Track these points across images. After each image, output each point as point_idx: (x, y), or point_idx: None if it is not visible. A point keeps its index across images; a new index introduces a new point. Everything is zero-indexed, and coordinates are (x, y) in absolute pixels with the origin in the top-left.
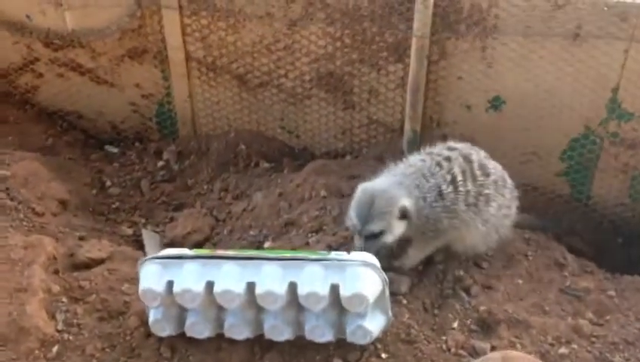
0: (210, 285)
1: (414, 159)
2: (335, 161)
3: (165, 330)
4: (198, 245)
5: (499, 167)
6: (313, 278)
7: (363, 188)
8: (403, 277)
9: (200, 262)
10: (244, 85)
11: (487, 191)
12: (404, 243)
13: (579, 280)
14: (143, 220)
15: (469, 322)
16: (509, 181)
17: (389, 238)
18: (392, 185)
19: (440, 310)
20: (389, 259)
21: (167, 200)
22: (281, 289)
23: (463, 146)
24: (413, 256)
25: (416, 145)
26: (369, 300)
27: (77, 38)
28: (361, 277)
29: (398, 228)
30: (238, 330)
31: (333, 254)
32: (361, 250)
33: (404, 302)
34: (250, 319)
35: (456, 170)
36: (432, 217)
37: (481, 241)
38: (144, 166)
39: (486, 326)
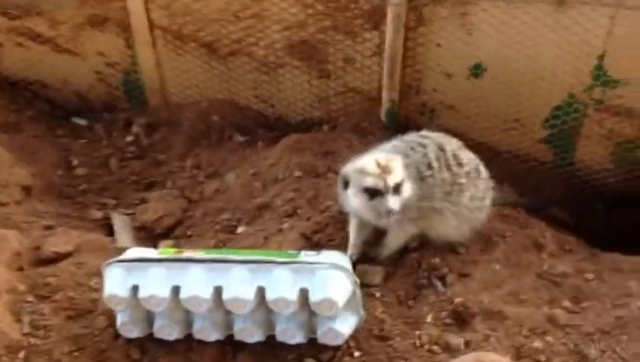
0: (176, 290)
1: (386, 146)
2: (310, 135)
3: (133, 332)
4: (170, 229)
5: (473, 157)
6: (282, 283)
7: (363, 160)
8: (377, 267)
9: (165, 265)
10: (214, 54)
11: (460, 181)
12: (380, 232)
13: (557, 262)
14: (113, 202)
15: (443, 315)
16: (484, 172)
17: (406, 191)
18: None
19: (414, 301)
20: (366, 249)
21: (138, 179)
22: (249, 294)
23: (436, 135)
24: (390, 244)
25: (394, 114)
26: (338, 304)
27: (34, 7)
28: (331, 281)
29: (408, 187)
30: (208, 333)
31: (303, 255)
32: (392, 211)
33: (378, 294)
34: (219, 321)
35: (432, 156)
36: (412, 199)
37: (453, 232)
38: (113, 141)
39: (460, 319)
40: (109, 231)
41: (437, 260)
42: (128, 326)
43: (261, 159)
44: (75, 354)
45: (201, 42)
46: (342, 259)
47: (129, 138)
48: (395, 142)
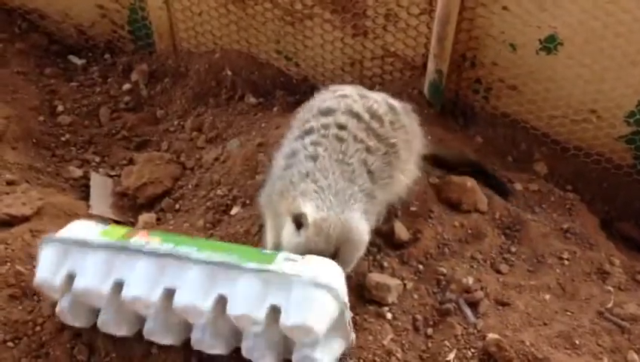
0: (119, 285)
1: (309, 147)
2: None
3: (74, 322)
4: (156, 199)
5: (379, 98)
6: (248, 296)
7: (322, 226)
8: (392, 281)
9: (109, 252)
10: None
11: (393, 141)
12: None
13: (626, 297)
14: (97, 159)
15: (469, 354)
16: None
17: None
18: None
19: (435, 331)
20: None
21: (129, 135)
22: (207, 303)
23: (334, 105)
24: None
25: (440, 89)
26: (317, 333)
27: None
28: (310, 302)
29: None
30: (159, 335)
31: (282, 259)
32: None
33: (389, 316)
34: (172, 324)
35: (361, 135)
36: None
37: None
38: (107, 88)
39: None
40: (86, 195)
41: (470, 280)
42: (67, 315)
43: (272, 127)
44: (9, 344)
45: None
46: (330, 271)
47: (126, 86)
48: (312, 139)
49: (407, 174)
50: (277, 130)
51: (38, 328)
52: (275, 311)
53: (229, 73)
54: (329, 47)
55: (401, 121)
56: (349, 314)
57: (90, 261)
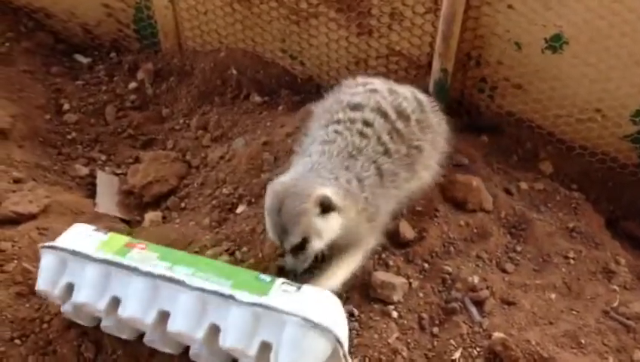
0: (115, 301)
1: (330, 134)
2: None
3: (79, 322)
4: (162, 197)
5: (408, 93)
6: (239, 330)
7: (271, 187)
8: (398, 279)
9: (106, 268)
10: None
11: (417, 143)
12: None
13: (632, 296)
14: (103, 157)
15: (475, 353)
16: (424, 99)
17: (318, 244)
18: (304, 174)
19: (441, 329)
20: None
21: (135, 133)
22: (199, 331)
23: (364, 101)
24: (347, 268)
25: (446, 88)
26: None
27: None
28: (301, 344)
29: (330, 226)
30: (160, 345)
31: (278, 288)
32: (295, 270)
33: (395, 315)
34: (171, 339)
35: (385, 138)
36: (374, 203)
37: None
38: (113, 87)
39: None
40: (92, 193)
41: (476, 279)
42: (72, 316)
43: (277, 126)
44: (16, 341)
45: None
46: (325, 304)
47: (132, 85)
48: (336, 128)
49: (429, 170)
50: (282, 128)
51: (45, 325)
52: (266, 347)
53: (235, 72)
54: (334, 46)
55: (429, 120)
56: (343, 349)
57: (87, 274)
